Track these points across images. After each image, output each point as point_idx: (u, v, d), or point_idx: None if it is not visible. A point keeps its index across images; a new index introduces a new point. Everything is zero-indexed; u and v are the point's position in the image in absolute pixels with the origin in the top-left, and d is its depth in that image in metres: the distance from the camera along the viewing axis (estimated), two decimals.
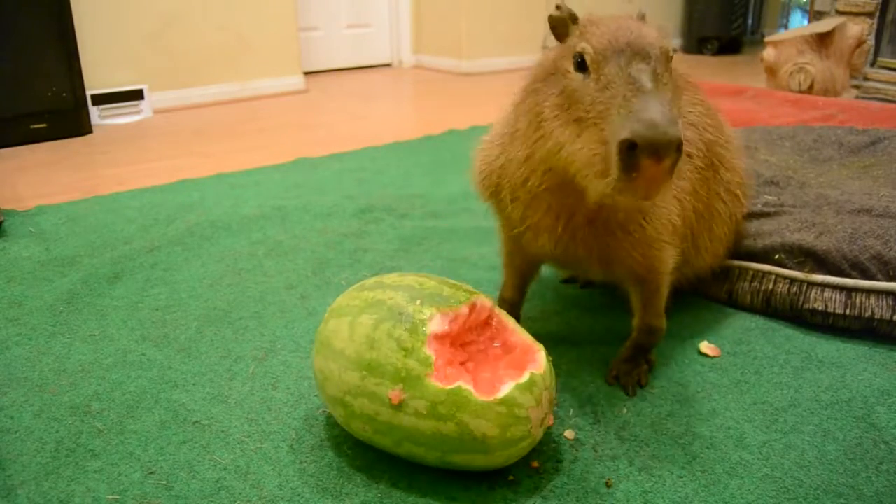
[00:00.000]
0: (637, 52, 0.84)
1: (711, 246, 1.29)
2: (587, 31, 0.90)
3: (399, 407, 0.88)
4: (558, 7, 0.94)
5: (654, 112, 0.77)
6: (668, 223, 1.06)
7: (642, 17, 0.95)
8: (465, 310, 0.95)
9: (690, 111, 1.16)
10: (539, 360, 0.94)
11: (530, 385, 0.90)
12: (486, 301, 0.99)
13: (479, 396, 0.87)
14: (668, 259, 1.11)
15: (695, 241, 1.23)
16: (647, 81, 0.81)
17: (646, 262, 1.08)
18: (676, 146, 0.77)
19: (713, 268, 1.39)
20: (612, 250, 1.05)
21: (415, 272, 1.05)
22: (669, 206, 1.06)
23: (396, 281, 1.00)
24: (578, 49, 0.88)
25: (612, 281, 1.21)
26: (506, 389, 0.88)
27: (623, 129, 0.78)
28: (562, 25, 0.95)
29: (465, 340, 0.96)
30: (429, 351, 0.89)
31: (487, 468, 0.93)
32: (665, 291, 1.17)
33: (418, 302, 0.94)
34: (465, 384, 0.87)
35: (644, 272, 1.10)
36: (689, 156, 1.10)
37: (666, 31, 0.92)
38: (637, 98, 0.80)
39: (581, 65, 0.87)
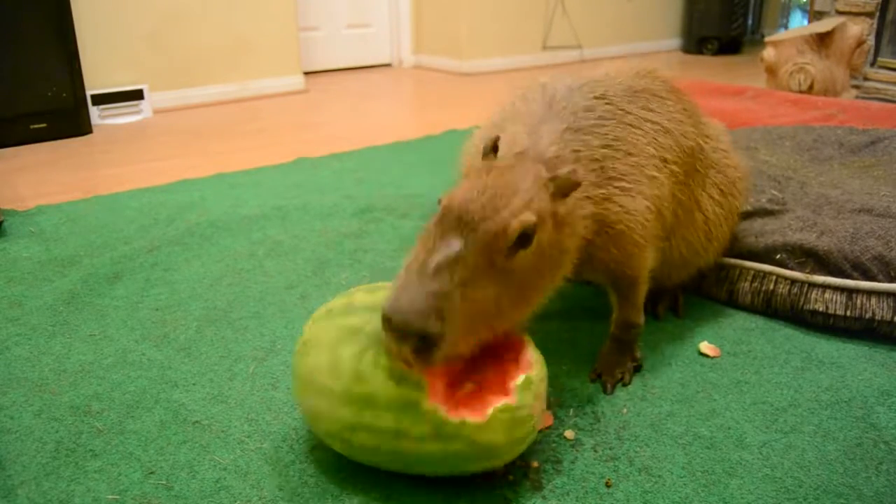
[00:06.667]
0: (458, 227, 0.82)
1: (711, 245, 1.31)
2: (469, 173, 0.91)
3: (402, 435, 0.85)
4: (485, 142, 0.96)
5: (409, 296, 0.76)
6: (642, 225, 1.08)
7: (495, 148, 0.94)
8: None
9: (668, 119, 1.16)
10: (528, 354, 0.92)
11: (527, 384, 0.88)
12: None
13: (479, 414, 0.84)
14: (646, 259, 1.14)
15: (691, 247, 1.26)
16: (435, 260, 0.79)
17: (624, 260, 1.10)
18: (420, 336, 0.76)
19: (717, 262, 1.43)
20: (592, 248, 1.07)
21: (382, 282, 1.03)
22: (642, 208, 1.08)
23: (366, 300, 0.95)
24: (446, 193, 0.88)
25: (591, 278, 1.22)
26: (504, 398, 0.86)
27: (386, 298, 0.80)
28: (485, 153, 0.95)
29: None
30: (419, 373, 0.84)
31: (496, 468, 0.93)
32: (644, 288, 1.18)
33: None
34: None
35: (621, 270, 1.12)
36: (664, 161, 1.12)
37: (531, 197, 0.85)
38: (410, 274, 0.80)
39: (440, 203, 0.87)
